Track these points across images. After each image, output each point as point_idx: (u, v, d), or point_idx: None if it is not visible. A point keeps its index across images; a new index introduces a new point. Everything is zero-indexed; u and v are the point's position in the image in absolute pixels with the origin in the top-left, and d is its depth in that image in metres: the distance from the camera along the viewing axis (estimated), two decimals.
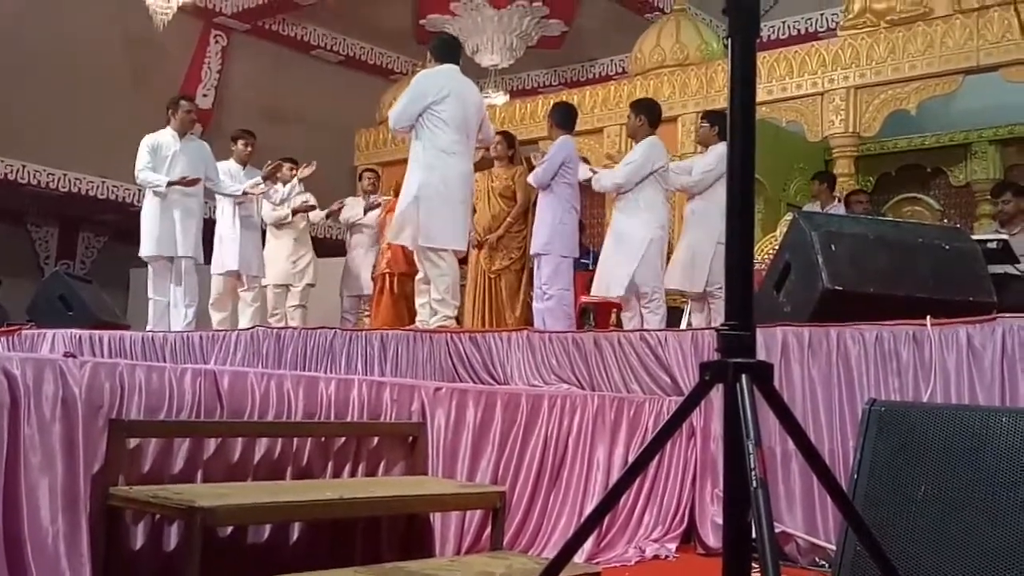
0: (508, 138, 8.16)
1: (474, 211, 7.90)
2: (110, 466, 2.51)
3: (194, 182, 7.50)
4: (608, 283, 6.65)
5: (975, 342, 3.71)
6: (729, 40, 1.64)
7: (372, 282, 9.10)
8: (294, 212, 8.66)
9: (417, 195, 6.07)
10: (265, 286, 8.63)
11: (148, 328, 7.46)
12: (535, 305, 6.89)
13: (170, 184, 7.42)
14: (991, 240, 6.43)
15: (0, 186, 11.89)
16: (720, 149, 6.85)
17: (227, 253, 8.00)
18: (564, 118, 7.15)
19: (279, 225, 8.79)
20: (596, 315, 8.79)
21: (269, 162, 8.23)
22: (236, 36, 13.44)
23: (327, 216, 9.37)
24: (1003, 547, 2.40)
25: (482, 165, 9.07)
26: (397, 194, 7.11)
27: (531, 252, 7.02)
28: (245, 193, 7.94)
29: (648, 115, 6.86)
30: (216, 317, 8.06)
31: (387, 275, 8.76)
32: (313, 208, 8.88)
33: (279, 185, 8.50)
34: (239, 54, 13.50)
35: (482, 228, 7.85)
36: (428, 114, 6.11)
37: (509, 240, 7.76)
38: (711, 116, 7.16)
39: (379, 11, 12.90)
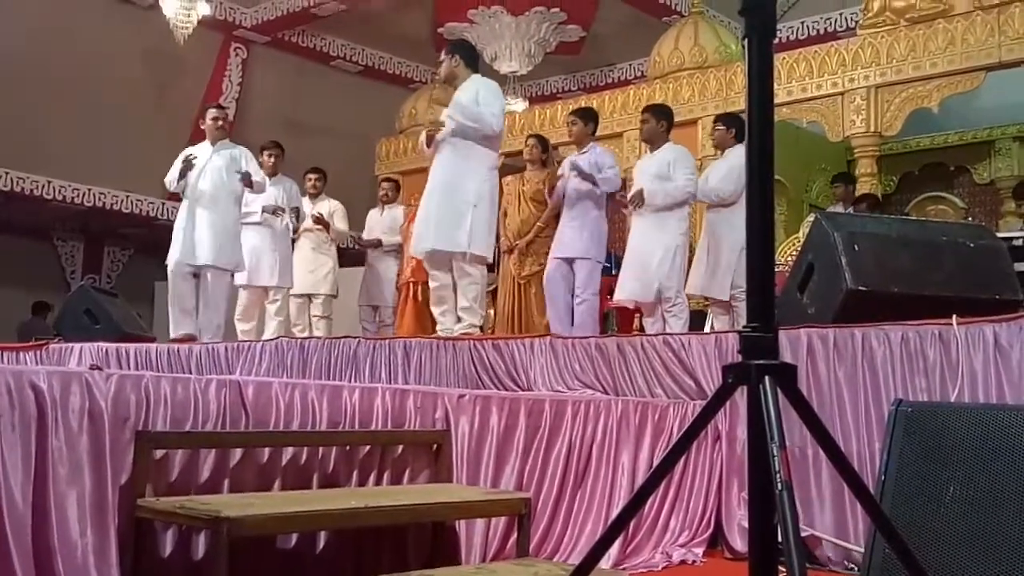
0: (542, 142, 8.11)
1: (504, 215, 7.92)
2: (137, 477, 2.52)
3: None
4: (634, 288, 6.66)
5: (1002, 340, 3.68)
6: (746, 41, 1.64)
7: (396, 292, 9.11)
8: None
9: (476, 204, 6.11)
10: (291, 297, 8.66)
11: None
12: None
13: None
14: (1018, 238, 6.39)
15: (26, 202, 12.02)
16: (740, 152, 6.84)
17: (250, 265, 8.02)
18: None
19: (300, 234, 8.81)
20: (619, 320, 8.78)
21: (318, 214, 8.60)
22: (256, 49, 13.54)
23: (295, 222, 8.67)
24: None
25: (506, 168, 9.09)
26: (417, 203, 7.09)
27: (566, 255, 6.99)
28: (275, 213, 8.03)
29: (668, 120, 6.90)
30: (241, 328, 8.11)
31: (411, 284, 8.77)
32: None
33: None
34: (259, 66, 13.60)
35: (512, 233, 7.82)
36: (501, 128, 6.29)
37: (539, 245, 7.69)
38: (726, 119, 7.15)
39: (397, 20, 12.96)
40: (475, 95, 6.17)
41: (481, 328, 6.54)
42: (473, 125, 6.07)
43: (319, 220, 8.74)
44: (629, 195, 6.76)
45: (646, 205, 6.65)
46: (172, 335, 7.50)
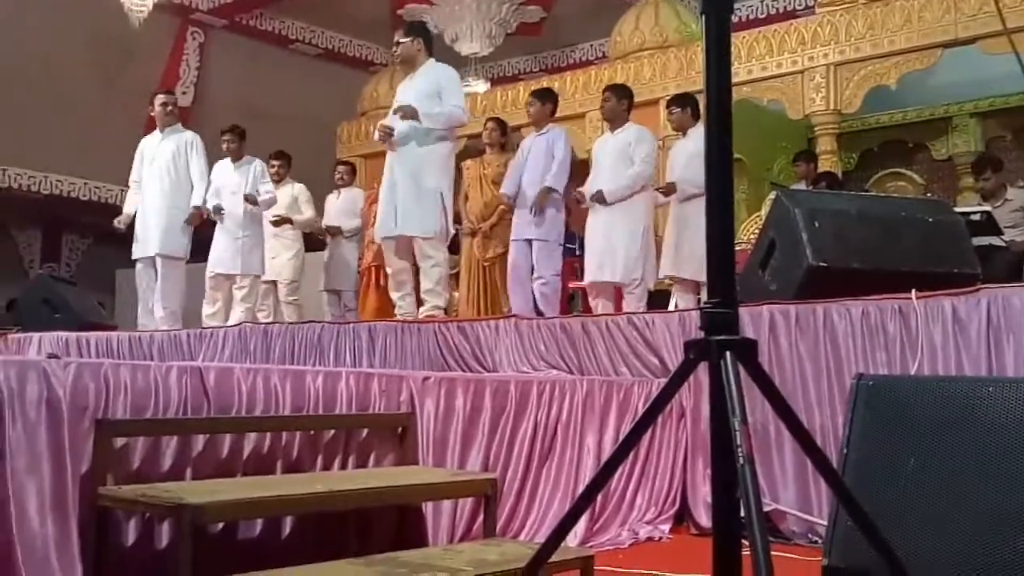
0: (501, 125, 8.11)
1: (466, 198, 7.92)
2: (98, 466, 2.49)
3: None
4: (605, 271, 6.62)
5: (960, 314, 3.73)
6: (704, 17, 1.63)
7: (359, 276, 9.06)
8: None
9: (442, 191, 6.25)
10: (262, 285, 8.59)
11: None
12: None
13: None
14: (975, 212, 6.46)
15: None
16: (700, 132, 6.85)
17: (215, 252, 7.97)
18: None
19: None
20: (584, 301, 8.79)
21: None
22: (213, 32, 13.38)
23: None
24: (993, 516, 2.41)
25: (469, 151, 9.05)
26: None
27: (525, 237, 6.97)
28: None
29: (629, 99, 6.91)
30: (205, 313, 8.03)
31: (373, 268, 8.72)
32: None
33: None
34: (217, 50, 13.44)
35: (475, 216, 7.81)
36: None
37: (502, 228, 7.67)
38: (679, 100, 7.12)
39: (356, 3, 12.86)
40: (436, 86, 6.25)
41: (446, 311, 6.54)
42: (446, 128, 6.30)
43: (279, 221, 8.59)
44: (588, 196, 6.72)
45: (608, 204, 6.63)
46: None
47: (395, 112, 6.29)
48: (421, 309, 6.26)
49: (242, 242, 7.90)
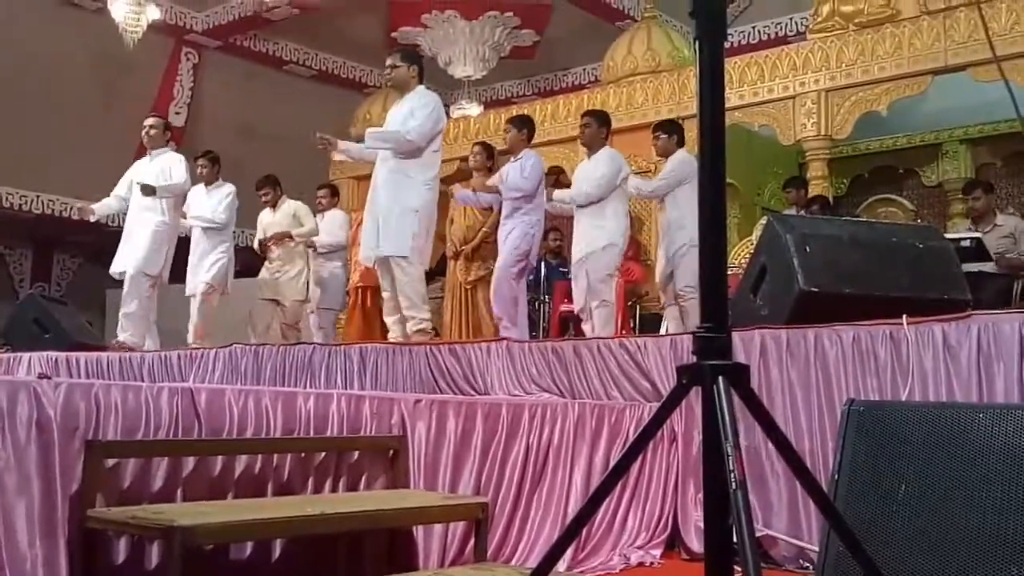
0: (487, 149, 8.14)
1: (451, 222, 7.95)
2: (88, 487, 2.48)
3: None
4: (577, 294, 6.69)
5: (951, 340, 3.74)
6: (697, 43, 1.65)
7: (346, 296, 9.03)
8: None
9: (418, 210, 6.23)
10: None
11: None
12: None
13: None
14: (965, 239, 6.49)
15: None
16: (679, 156, 6.89)
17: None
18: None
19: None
20: (575, 324, 8.79)
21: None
22: (208, 53, 13.41)
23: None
24: (984, 543, 2.41)
25: (461, 173, 9.07)
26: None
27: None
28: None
29: (608, 126, 6.97)
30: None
31: (360, 289, 8.70)
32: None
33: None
34: (211, 71, 13.47)
35: (458, 239, 7.85)
36: (435, 139, 6.36)
37: (485, 250, 7.73)
38: (665, 127, 7.17)
39: (350, 25, 12.91)
40: (410, 111, 6.29)
41: (437, 331, 6.56)
42: (394, 149, 6.25)
43: (280, 237, 8.56)
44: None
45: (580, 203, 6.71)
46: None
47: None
48: (408, 325, 6.28)
49: (213, 259, 8.03)
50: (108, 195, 8.03)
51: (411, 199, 6.23)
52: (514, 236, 6.86)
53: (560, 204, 7.01)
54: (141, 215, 7.67)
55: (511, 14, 12.35)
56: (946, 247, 4.67)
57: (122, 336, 7.54)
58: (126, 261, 7.63)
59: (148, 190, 7.50)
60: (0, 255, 13.86)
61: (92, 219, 8.05)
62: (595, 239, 6.57)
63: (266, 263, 8.61)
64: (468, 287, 7.79)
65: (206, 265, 8.04)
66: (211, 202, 8.11)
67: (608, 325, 6.50)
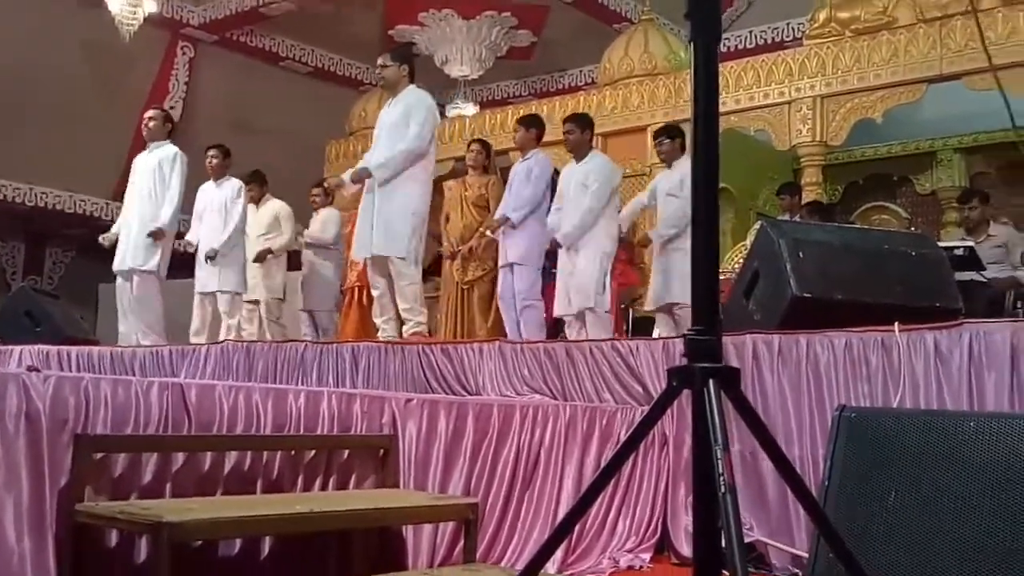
0: (486, 147, 8.12)
1: (447, 220, 7.93)
2: (76, 481, 2.47)
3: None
4: (573, 299, 6.62)
5: (942, 347, 3.74)
6: (691, 44, 1.64)
7: (340, 295, 9.03)
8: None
9: (416, 211, 6.27)
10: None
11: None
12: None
13: None
14: (958, 247, 6.51)
15: None
16: (687, 165, 6.86)
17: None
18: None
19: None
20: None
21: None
22: (204, 47, 13.38)
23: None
24: (973, 550, 2.41)
25: (455, 173, 9.06)
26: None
27: (508, 262, 6.96)
28: None
29: (592, 129, 6.98)
30: (192, 329, 8.01)
31: (356, 288, 8.69)
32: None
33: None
34: (207, 65, 13.43)
35: (455, 238, 7.82)
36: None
37: (482, 251, 7.71)
38: (670, 131, 7.12)
39: (348, 22, 12.89)
40: (404, 113, 6.29)
41: (430, 331, 6.55)
42: (403, 166, 6.24)
43: (260, 257, 8.54)
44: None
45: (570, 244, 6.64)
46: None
47: (350, 177, 6.46)
48: (404, 328, 6.28)
49: (225, 260, 7.91)
50: (102, 190, 7.93)
51: (409, 201, 6.25)
52: (525, 254, 6.87)
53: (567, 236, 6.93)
54: (148, 211, 7.55)
55: (508, 14, 12.34)
56: (939, 255, 4.68)
57: (141, 338, 7.40)
58: (130, 258, 7.51)
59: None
60: None
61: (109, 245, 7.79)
62: (583, 244, 6.57)
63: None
64: (465, 287, 7.77)
65: (232, 270, 8.05)
66: (220, 196, 7.99)
67: (599, 331, 6.48)
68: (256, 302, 8.66)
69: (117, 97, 12.07)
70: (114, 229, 7.84)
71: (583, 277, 6.52)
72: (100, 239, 7.80)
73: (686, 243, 6.56)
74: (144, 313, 7.48)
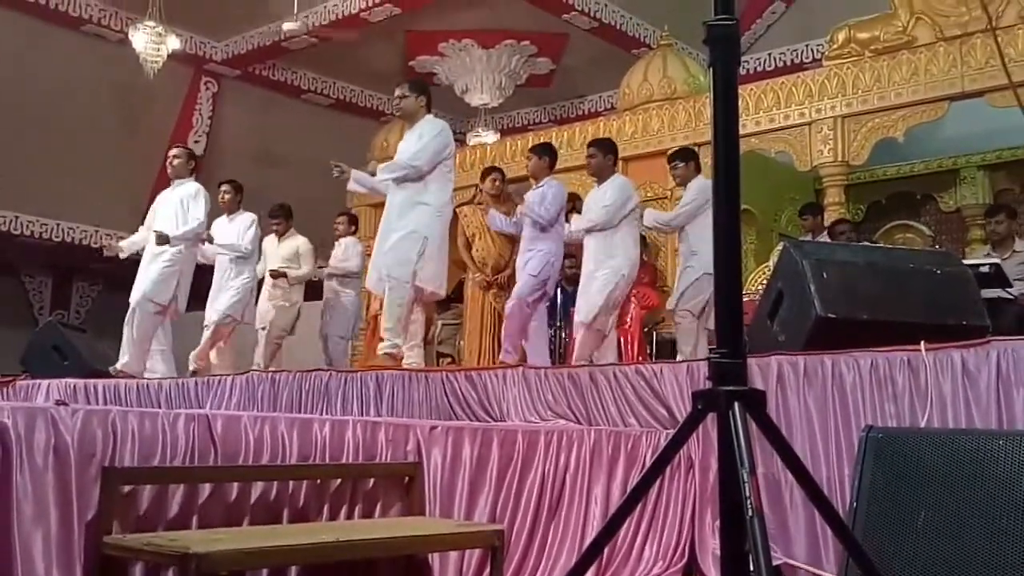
0: (503, 175, 8.21)
1: (468, 246, 7.99)
2: (104, 514, 2.49)
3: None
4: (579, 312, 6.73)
5: (970, 366, 3.70)
6: (711, 68, 1.65)
7: (365, 323, 9.06)
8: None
9: (426, 236, 6.25)
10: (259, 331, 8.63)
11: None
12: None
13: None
14: (984, 265, 6.46)
15: None
16: (698, 183, 6.92)
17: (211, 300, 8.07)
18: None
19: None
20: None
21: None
22: (226, 82, 13.53)
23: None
24: (1003, 571, 2.38)
25: (472, 202, 9.09)
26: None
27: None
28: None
29: (615, 154, 7.01)
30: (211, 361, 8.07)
31: (378, 317, 8.70)
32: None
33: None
34: (230, 100, 13.58)
35: (489, 267, 7.87)
36: (444, 164, 6.35)
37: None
38: (682, 154, 7.23)
39: (368, 54, 13.00)
40: (418, 137, 6.36)
41: (454, 359, 6.56)
42: (398, 176, 6.29)
43: (276, 274, 8.62)
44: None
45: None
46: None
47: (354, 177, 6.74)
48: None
49: (232, 290, 8.09)
50: (128, 224, 8.07)
51: (418, 224, 6.25)
52: (533, 264, 6.88)
53: (572, 235, 7.02)
54: (157, 246, 7.65)
55: (527, 42, 12.42)
56: (964, 273, 4.64)
57: (119, 364, 7.50)
58: (140, 289, 7.60)
59: (162, 239, 7.47)
60: (20, 282, 13.97)
61: (122, 256, 7.97)
62: (602, 264, 6.61)
63: (267, 290, 8.66)
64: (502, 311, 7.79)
65: (227, 294, 8.08)
66: (233, 230, 8.14)
67: (586, 348, 6.52)
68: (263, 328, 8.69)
69: (142, 132, 12.22)
70: (125, 243, 8.00)
71: (591, 293, 6.62)
72: (104, 246, 7.99)
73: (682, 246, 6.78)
74: (139, 345, 7.55)
